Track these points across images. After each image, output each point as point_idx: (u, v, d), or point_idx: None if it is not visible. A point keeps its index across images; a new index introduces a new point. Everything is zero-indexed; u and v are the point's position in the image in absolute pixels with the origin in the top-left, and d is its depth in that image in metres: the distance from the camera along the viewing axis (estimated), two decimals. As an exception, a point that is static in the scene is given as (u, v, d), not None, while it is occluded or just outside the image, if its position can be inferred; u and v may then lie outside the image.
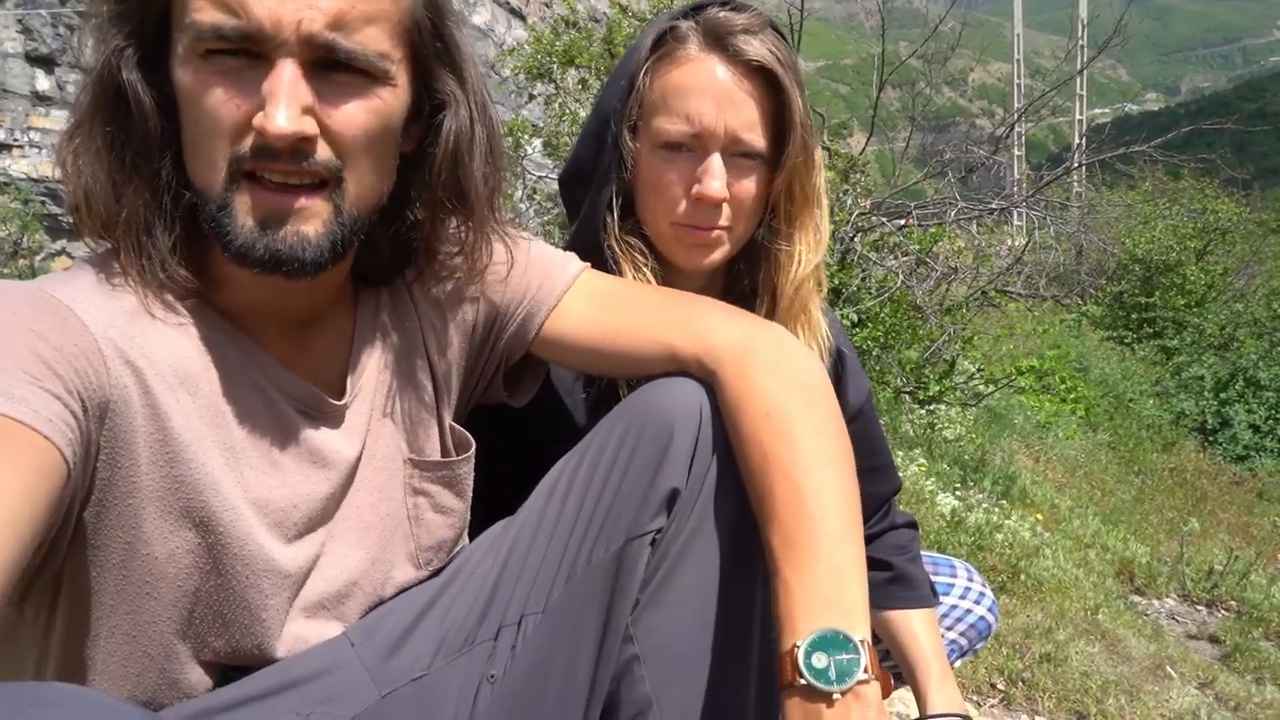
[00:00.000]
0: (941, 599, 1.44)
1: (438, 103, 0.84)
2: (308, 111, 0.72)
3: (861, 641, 0.72)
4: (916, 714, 1.23)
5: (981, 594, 1.48)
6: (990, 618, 1.48)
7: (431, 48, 0.82)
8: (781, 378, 0.85)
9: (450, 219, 0.89)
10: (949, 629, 1.45)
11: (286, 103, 0.70)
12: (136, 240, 0.77)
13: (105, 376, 0.72)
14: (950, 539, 3.44)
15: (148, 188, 0.76)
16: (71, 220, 0.80)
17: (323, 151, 0.74)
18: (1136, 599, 4.03)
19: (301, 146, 0.72)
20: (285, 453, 0.85)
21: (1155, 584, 4.18)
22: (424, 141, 0.86)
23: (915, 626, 1.28)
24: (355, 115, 0.75)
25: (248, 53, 0.71)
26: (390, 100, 0.78)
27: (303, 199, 0.75)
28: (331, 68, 0.74)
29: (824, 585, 0.75)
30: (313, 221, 0.75)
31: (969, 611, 1.47)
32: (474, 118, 0.86)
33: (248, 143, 0.72)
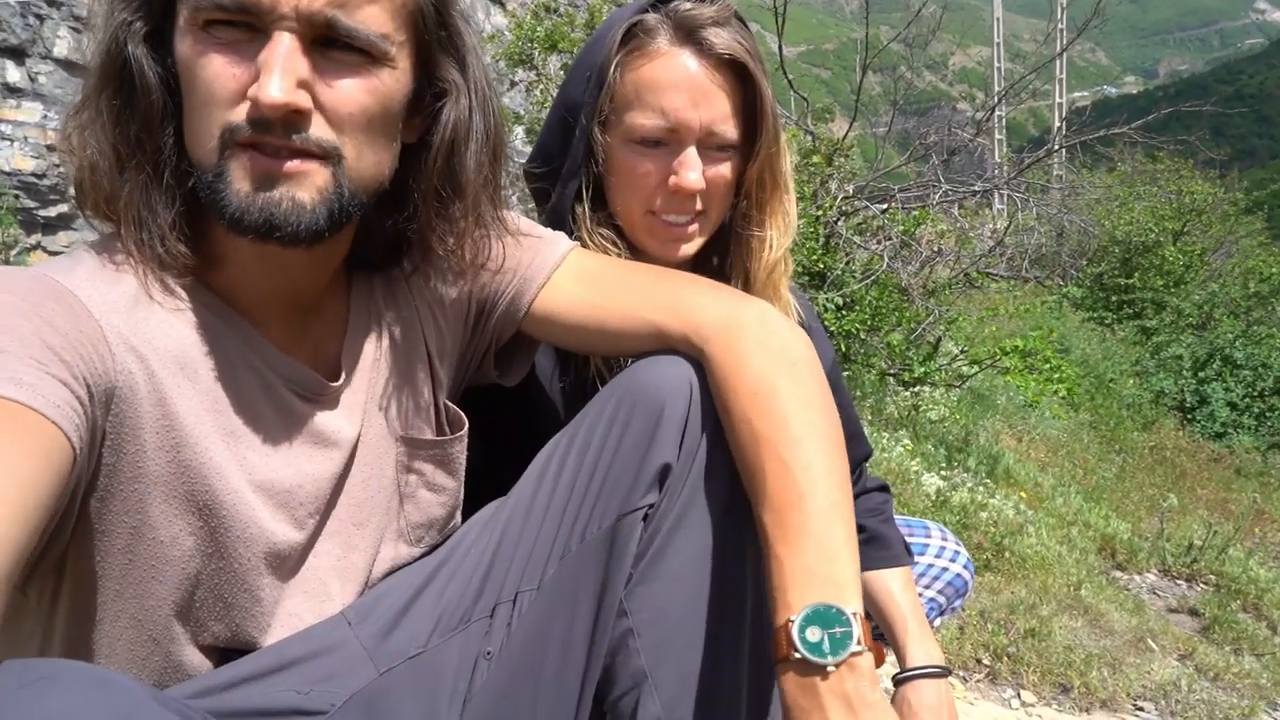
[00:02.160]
0: (917, 559, 1.47)
1: (439, 91, 0.84)
2: (303, 85, 0.72)
3: (854, 614, 0.73)
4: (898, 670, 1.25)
5: (956, 552, 1.51)
6: (966, 574, 1.50)
7: (435, 35, 0.82)
8: (769, 353, 0.86)
9: (447, 209, 0.89)
10: (926, 588, 1.48)
11: (281, 74, 0.70)
12: (137, 215, 0.77)
13: (110, 363, 0.72)
14: (936, 518, 3.48)
15: (150, 162, 0.76)
16: (74, 198, 0.80)
17: (318, 128, 0.74)
18: (1118, 574, 4.09)
19: (294, 120, 0.72)
20: (287, 435, 0.85)
21: (1136, 560, 4.24)
22: (427, 132, 0.86)
23: (891, 585, 1.30)
24: (353, 93, 0.75)
25: (247, 25, 0.72)
26: (390, 83, 0.78)
27: (296, 161, 0.74)
28: (331, 45, 0.74)
29: (815, 560, 0.76)
30: (307, 187, 0.75)
31: (945, 570, 1.50)
32: (473, 107, 0.86)
33: (242, 113, 0.72)
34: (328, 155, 0.75)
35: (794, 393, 0.84)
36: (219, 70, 0.72)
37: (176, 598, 0.79)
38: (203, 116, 0.73)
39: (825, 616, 0.73)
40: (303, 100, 0.72)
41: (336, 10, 0.72)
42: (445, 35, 0.83)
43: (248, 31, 0.72)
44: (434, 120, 0.85)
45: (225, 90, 0.72)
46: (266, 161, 0.73)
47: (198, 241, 0.80)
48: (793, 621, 0.73)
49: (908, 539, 1.42)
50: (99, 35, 0.75)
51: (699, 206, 1.13)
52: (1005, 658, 2.60)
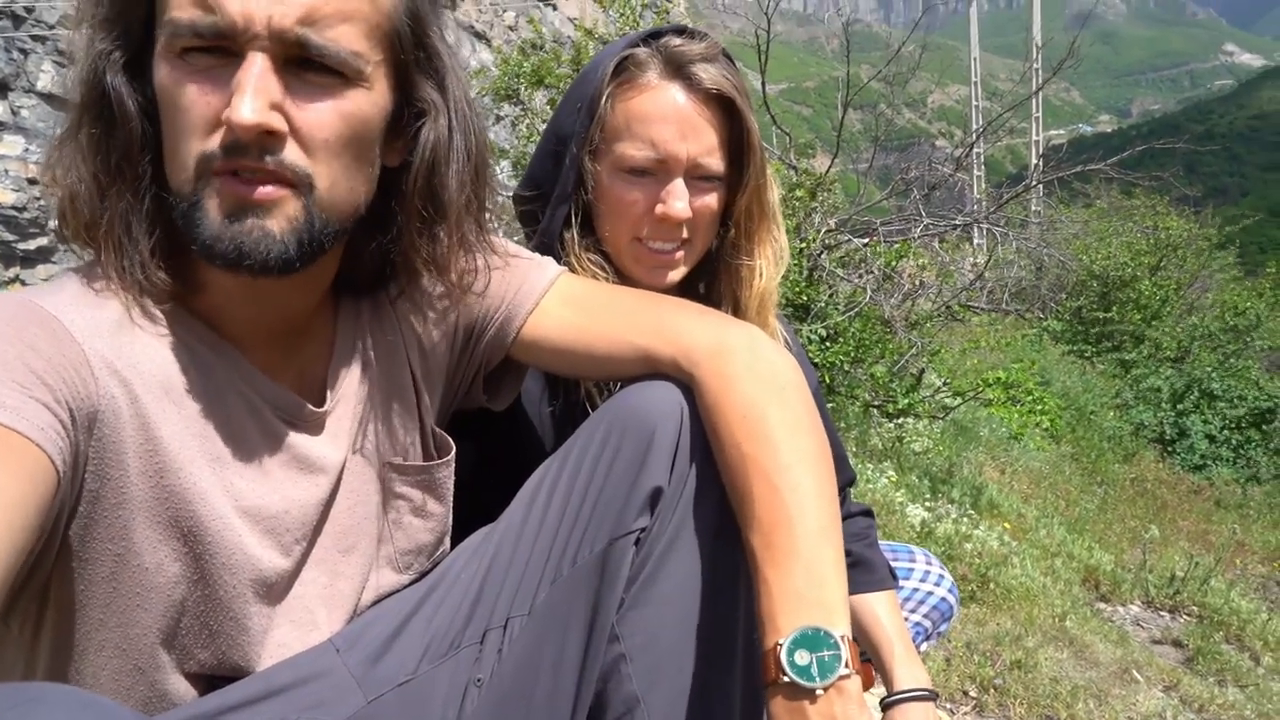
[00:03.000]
0: (902, 583, 1.47)
1: (419, 112, 0.84)
2: (276, 107, 0.72)
3: (842, 637, 0.74)
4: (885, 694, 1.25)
5: (941, 576, 1.52)
6: (951, 599, 1.51)
7: (413, 56, 0.81)
8: (758, 378, 0.87)
9: (431, 230, 0.88)
10: (911, 612, 1.48)
11: (253, 94, 0.70)
12: (117, 242, 0.77)
13: (94, 387, 0.72)
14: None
15: (130, 190, 0.77)
16: (57, 226, 0.80)
17: (291, 152, 0.73)
18: (1102, 606, 4.09)
19: (267, 142, 0.72)
20: (273, 461, 0.85)
21: (1120, 591, 4.25)
22: (408, 154, 0.85)
23: (877, 609, 1.30)
24: (325, 115, 0.75)
25: (222, 50, 0.72)
26: (364, 104, 0.77)
27: (266, 187, 0.73)
28: (304, 66, 0.73)
29: (804, 584, 0.76)
30: (277, 217, 0.74)
31: (930, 594, 1.50)
32: (453, 127, 0.85)
33: (217, 140, 0.71)
34: (299, 183, 0.75)
35: (783, 417, 0.84)
36: (194, 97, 0.72)
37: (162, 625, 0.78)
38: (180, 145, 0.73)
39: (814, 640, 0.73)
40: (276, 121, 0.72)
41: (308, 29, 0.72)
42: (423, 55, 0.83)
43: (223, 57, 0.72)
44: (415, 141, 0.84)
45: (200, 117, 0.72)
46: (240, 188, 0.73)
47: (180, 268, 0.80)
48: (781, 644, 0.73)
49: (892, 564, 1.42)
50: (79, 64, 0.76)
51: (685, 235, 1.16)
52: (992, 690, 2.59)
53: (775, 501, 0.80)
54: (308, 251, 0.76)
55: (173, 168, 0.74)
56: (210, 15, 0.70)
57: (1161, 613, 4.14)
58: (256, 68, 0.70)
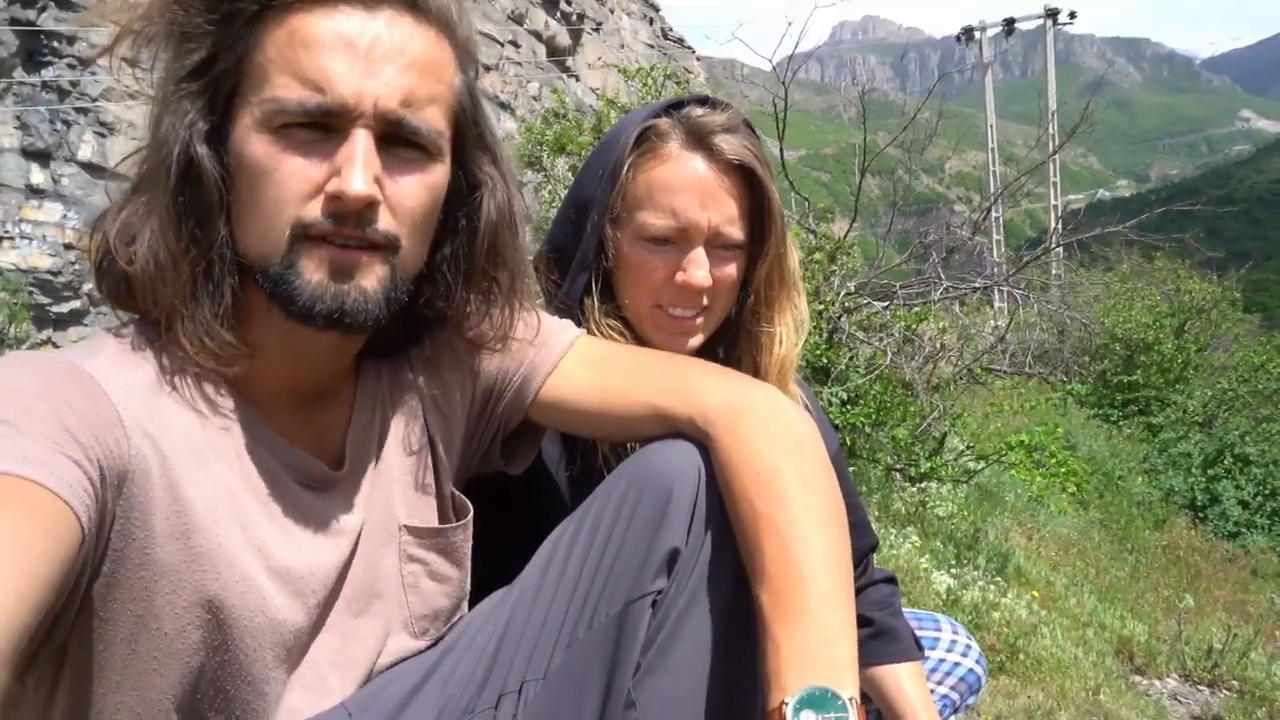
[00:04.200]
0: (928, 653, 1.43)
1: (472, 183, 0.90)
2: (376, 180, 0.77)
3: (850, 699, 0.72)
4: None
5: (968, 646, 1.47)
6: (979, 669, 1.46)
7: (471, 131, 0.88)
8: (772, 436, 0.87)
9: (489, 290, 0.93)
10: (939, 683, 1.43)
11: (364, 168, 0.76)
12: (186, 306, 0.79)
13: (126, 447, 0.73)
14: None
15: (204, 256, 0.79)
16: (93, 289, 0.82)
17: (384, 219, 0.79)
18: (1137, 679, 3.95)
19: (368, 212, 0.78)
20: (296, 524, 0.85)
21: (1155, 663, 4.10)
22: (448, 219, 0.90)
23: (902, 681, 1.27)
24: (414, 188, 0.81)
25: (322, 125, 0.77)
26: (440, 177, 0.84)
27: (365, 255, 0.79)
28: (396, 142, 0.79)
29: (812, 643, 0.75)
30: (370, 278, 0.80)
31: (957, 665, 1.46)
32: (511, 195, 0.92)
33: (316, 208, 0.77)
34: (390, 246, 0.80)
35: (796, 474, 0.84)
36: (295, 169, 0.77)
37: (178, 691, 0.78)
38: (271, 212, 0.77)
39: (820, 700, 0.72)
40: (378, 194, 0.78)
41: (406, 110, 0.78)
42: (479, 131, 0.89)
43: (321, 132, 0.77)
44: (475, 210, 0.90)
45: (300, 187, 0.77)
46: (340, 254, 0.78)
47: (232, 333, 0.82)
48: (787, 704, 0.72)
49: (917, 633, 1.38)
50: (159, 131, 0.79)
51: (705, 303, 1.17)
52: (1025, 766, 2.50)
53: (786, 559, 0.79)
54: (391, 310, 0.82)
55: (259, 234, 0.78)
56: (320, 95, 0.75)
57: (1200, 687, 3.99)
58: (363, 144, 0.76)
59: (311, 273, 0.77)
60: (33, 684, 0.75)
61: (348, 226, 0.77)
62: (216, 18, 0.76)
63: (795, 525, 0.80)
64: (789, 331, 1.20)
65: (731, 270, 1.17)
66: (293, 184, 0.76)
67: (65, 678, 0.75)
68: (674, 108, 1.17)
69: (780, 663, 0.75)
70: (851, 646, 0.76)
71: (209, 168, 0.78)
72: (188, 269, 0.78)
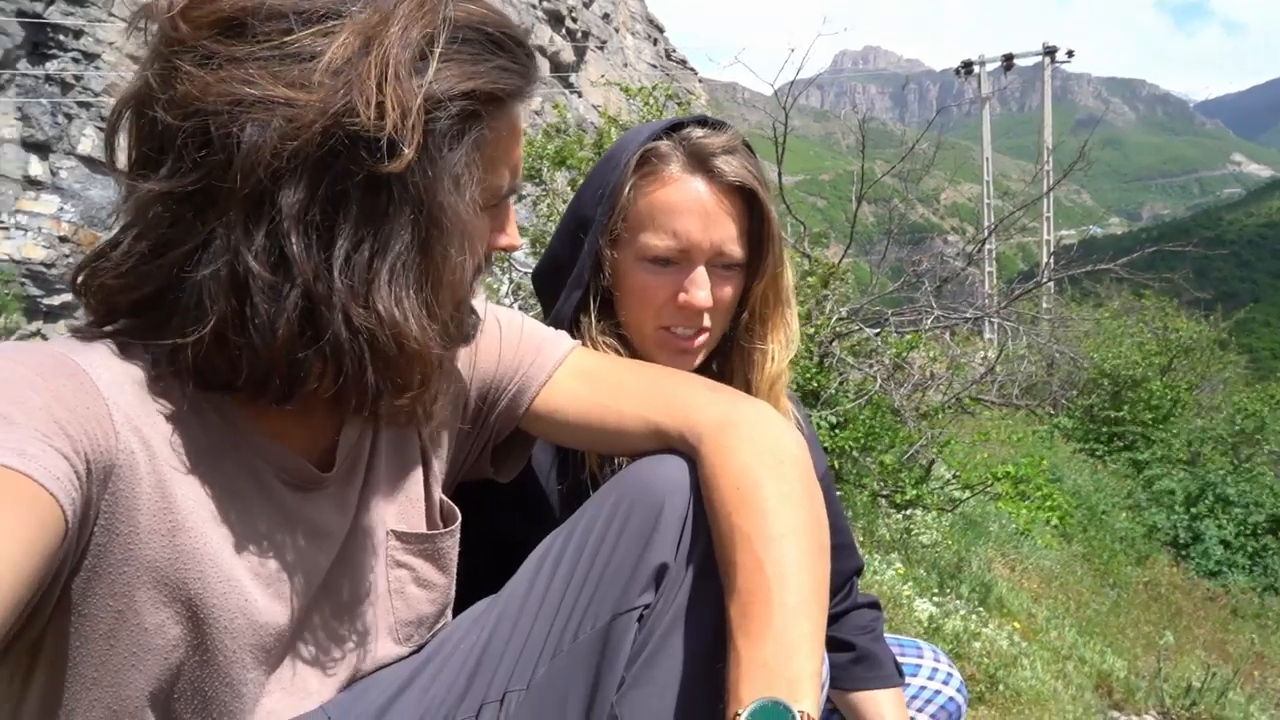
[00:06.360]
0: (909, 680, 1.43)
1: None
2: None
3: (801, 713, 0.71)
4: None
5: (950, 674, 1.47)
6: (960, 699, 1.46)
7: None
8: (757, 451, 0.87)
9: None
10: (919, 711, 1.43)
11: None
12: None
13: (114, 441, 0.73)
14: (928, 646, 3.38)
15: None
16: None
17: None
18: (1115, 714, 3.95)
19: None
20: (279, 525, 0.85)
21: (1134, 699, 4.11)
22: None
23: (883, 707, 1.27)
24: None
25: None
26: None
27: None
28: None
29: (771, 655, 0.75)
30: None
31: (938, 692, 1.46)
32: None
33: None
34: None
35: (776, 489, 0.84)
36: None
37: (155, 689, 0.77)
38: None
39: (771, 713, 0.71)
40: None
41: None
42: None
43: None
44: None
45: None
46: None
47: None
48: (739, 715, 0.72)
49: (899, 659, 1.39)
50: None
51: (706, 322, 1.18)
52: (1001, 797, 2.49)
53: (757, 572, 0.79)
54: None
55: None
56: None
57: (1178, 725, 3.99)
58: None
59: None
60: (6, 676, 0.75)
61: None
62: None
63: (769, 539, 0.80)
64: (780, 349, 1.22)
65: (730, 289, 1.19)
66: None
67: (40, 672, 0.74)
68: (674, 129, 1.18)
69: (739, 674, 0.75)
70: (814, 661, 0.76)
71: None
72: None
